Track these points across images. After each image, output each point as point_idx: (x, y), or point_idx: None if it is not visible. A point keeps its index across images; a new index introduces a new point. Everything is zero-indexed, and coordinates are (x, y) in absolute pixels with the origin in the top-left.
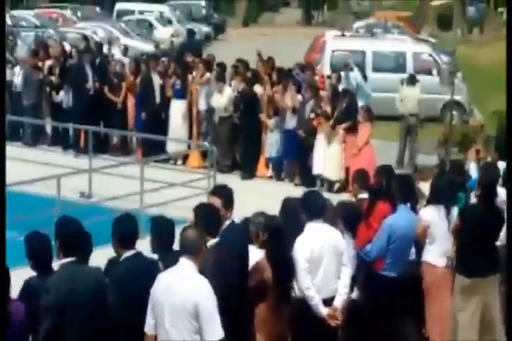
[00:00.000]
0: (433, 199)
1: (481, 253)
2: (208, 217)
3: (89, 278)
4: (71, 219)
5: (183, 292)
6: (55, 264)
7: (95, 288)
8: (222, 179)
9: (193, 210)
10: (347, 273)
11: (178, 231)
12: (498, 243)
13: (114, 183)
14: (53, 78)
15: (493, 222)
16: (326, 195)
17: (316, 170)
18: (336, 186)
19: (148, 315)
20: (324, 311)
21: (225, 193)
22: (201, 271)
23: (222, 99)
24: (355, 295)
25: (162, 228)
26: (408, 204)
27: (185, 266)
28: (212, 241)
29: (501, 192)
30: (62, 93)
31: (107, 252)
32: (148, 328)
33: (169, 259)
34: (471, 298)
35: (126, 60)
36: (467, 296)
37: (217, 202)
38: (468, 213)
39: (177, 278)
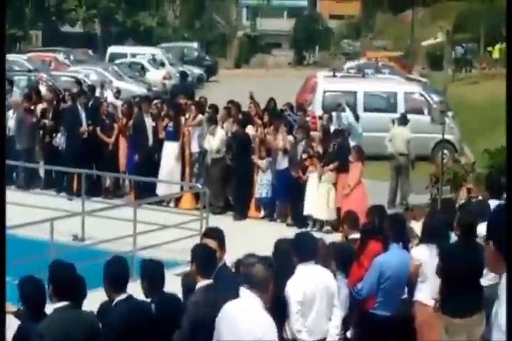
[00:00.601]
0: (425, 238)
1: (463, 293)
2: (204, 258)
3: (83, 322)
4: (64, 264)
5: (247, 326)
6: (48, 308)
7: (89, 332)
8: (215, 220)
9: (191, 251)
10: (338, 314)
11: (169, 273)
12: (483, 281)
13: (107, 226)
14: (47, 122)
15: (473, 260)
16: (318, 235)
17: (307, 210)
18: (328, 226)
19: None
20: None
21: (217, 235)
22: (192, 312)
23: (215, 140)
24: (349, 334)
25: (151, 271)
26: (400, 244)
27: (251, 300)
28: (203, 283)
29: (481, 229)
30: (59, 136)
31: (101, 295)
32: None
33: (161, 302)
34: (456, 337)
35: (118, 103)
36: (453, 336)
37: (211, 243)
38: (447, 253)
39: (242, 312)
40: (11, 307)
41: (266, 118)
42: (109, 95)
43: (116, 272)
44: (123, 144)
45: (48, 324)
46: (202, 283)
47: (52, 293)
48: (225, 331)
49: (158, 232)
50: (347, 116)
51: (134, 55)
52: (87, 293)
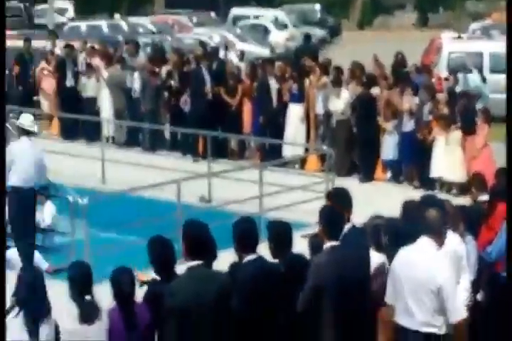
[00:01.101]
0: None
1: None
2: (331, 220)
3: (216, 281)
4: (198, 222)
5: (426, 270)
6: (180, 268)
7: (221, 291)
8: (341, 182)
9: (318, 212)
10: (467, 277)
11: (295, 234)
12: None
13: (233, 187)
14: (172, 83)
15: None
16: (446, 197)
17: (434, 172)
18: (455, 189)
19: (389, 286)
20: None
21: (342, 196)
22: (314, 273)
23: (340, 102)
24: (479, 297)
25: (279, 232)
26: None
27: (428, 245)
28: (330, 244)
29: None
30: (185, 97)
31: (226, 256)
32: (388, 298)
33: (289, 262)
34: None
35: (242, 65)
36: None
37: (336, 205)
38: None
39: (420, 256)
40: (144, 275)
41: (391, 79)
42: (232, 57)
43: (245, 231)
44: (247, 106)
45: (180, 282)
46: (328, 244)
47: (185, 251)
48: (402, 276)
49: (283, 194)
50: (474, 77)
51: (256, 17)
52: (217, 253)
